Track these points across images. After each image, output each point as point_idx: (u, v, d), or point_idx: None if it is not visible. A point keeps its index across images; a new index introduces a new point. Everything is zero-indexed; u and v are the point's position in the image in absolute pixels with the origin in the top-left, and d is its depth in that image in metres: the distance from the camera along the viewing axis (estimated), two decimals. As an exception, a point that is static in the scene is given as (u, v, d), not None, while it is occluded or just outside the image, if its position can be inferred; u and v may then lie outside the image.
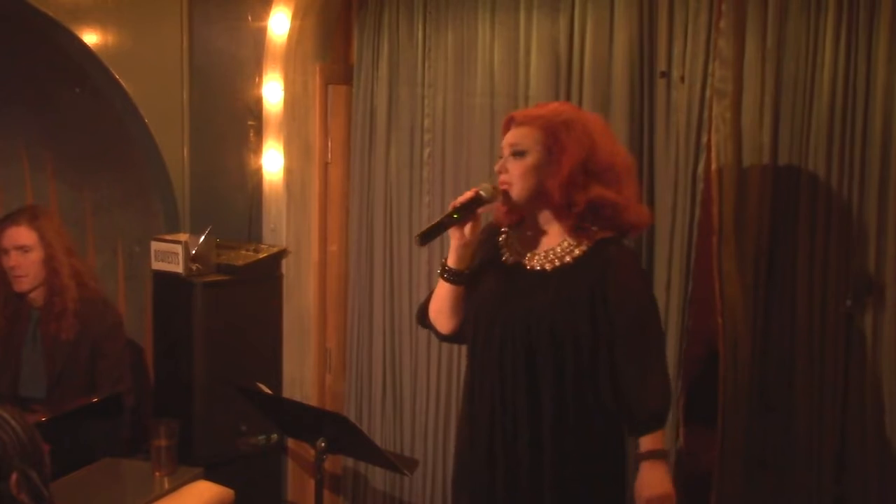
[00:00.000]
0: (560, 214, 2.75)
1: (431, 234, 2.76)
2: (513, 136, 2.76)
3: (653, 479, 2.67)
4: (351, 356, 4.28)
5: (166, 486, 3.34)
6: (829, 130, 3.15)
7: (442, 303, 2.90)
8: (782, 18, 3.20)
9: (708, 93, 3.29)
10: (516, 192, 2.74)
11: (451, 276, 2.84)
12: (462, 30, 3.84)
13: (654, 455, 2.68)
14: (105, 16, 3.94)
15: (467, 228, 2.76)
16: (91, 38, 3.90)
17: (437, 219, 2.82)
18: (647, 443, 2.69)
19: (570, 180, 2.68)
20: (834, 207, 3.16)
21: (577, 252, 2.74)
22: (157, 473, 3.38)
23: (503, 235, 2.89)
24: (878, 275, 3.11)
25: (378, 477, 4.20)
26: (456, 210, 2.75)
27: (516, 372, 2.74)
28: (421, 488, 4.06)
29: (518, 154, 2.73)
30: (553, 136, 2.70)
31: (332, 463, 4.25)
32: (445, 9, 3.87)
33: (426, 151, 3.97)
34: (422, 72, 3.96)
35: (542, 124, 2.72)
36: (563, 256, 2.75)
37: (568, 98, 3.57)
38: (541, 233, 2.81)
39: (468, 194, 2.77)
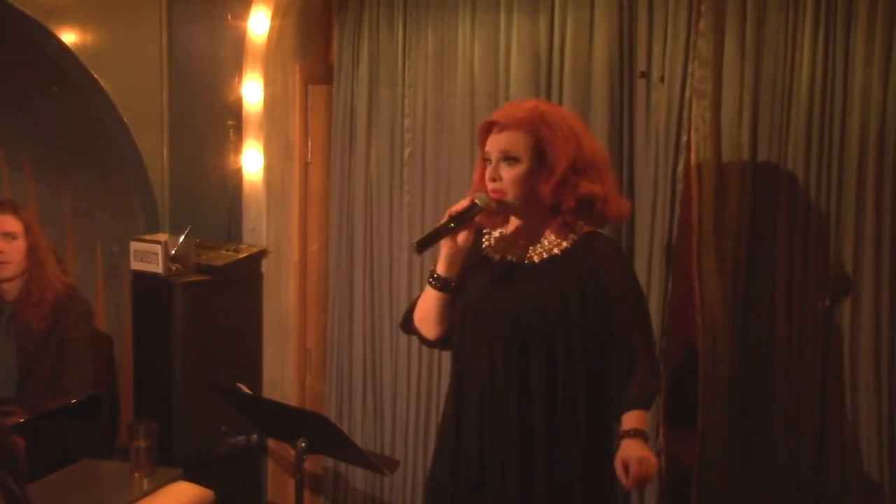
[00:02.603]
0: (548, 213, 2.78)
1: (428, 242, 2.77)
2: (503, 143, 2.74)
3: (632, 447, 2.66)
4: (331, 356, 4.28)
5: (145, 487, 3.34)
6: (807, 130, 3.17)
7: (428, 310, 2.92)
8: (761, 19, 3.21)
9: (687, 93, 3.31)
10: (511, 199, 2.76)
11: (441, 284, 2.86)
12: (442, 30, 3.84)
13: (636, 433, 2.68)
14: (84, 15, 3.92)
15: (461, 237, 2.78)
16: (70, 37, 3.88)
17: (433, 227, 2.81)
18: (629, 422, 2.70)
19: (562, 183, 2.72)
20: (812, 207, 3.18)
21: (564, 244, 2.78)
22: (137, 474, 3.38)
23: (486, 236, 2.91)
24: (855, 274, 3.13)
25: (358, 477, 4.20)
26: (452, 219, 2.76)
27: (507, 365, 2.76)
28: (401, 488, 4.05)
29: (510, 160, 2.73)
30: (542, 140, 2.71)
31: (312, 463, 4.24)
32: (426, 9, 3.87)
33: (406, 151, 3.97)
34: (402, 72, 3.96)
35: (529, 128, 2.72)
36: (551, 249, 2.79)
37: (548, 98, 3.57)
38: (527, 229, 2.84)
39: (464, 203, 2.78)
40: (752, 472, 3.32)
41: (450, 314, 2.89)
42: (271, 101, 4.15)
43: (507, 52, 3.68)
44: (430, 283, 2.88)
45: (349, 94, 4.10)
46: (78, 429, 3.66)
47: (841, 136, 3.13)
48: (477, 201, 2.76)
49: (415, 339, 3.90)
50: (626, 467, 2.64)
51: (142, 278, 4.00)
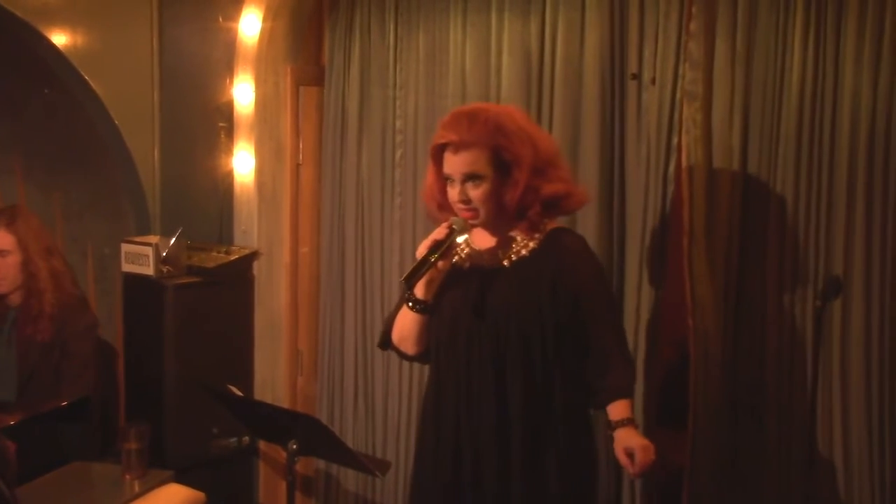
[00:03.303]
0: (514, 217, 2.79)
1: (416, 277, 2.76)
2: (463, 164, 2.72)
3: (631, 436, 2.73)
4: (323, 358, 4.27)
5: (137, 489, 3.32)
6: (797, 131, 3.18)
7: (408, 330, 2.92)
8: (752, 21, 3.22)
9: (678, 95, 3.31)
10: (482, 217, 2.77)
11: (420, 307, 2.86)
12: (434, 31, 3.84)
13: (627, 422, 2.75)
14: (74, 16, 3.91)
15: (441, 263, 2.77)
16: (60, 38, 3.87)
17: (417, 260, 2.78)
18: (617, 412, 2.77)
19: (526, 189, 2.72)
20: (803, 208, 3.19)
21: (531, 245, 2.81)
22: (128, 476, 3.36)
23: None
24: (846, 275, 3.13)
25: (350, 479, 4.19)
26: (433, 250, 2.74)
27: (484, 370, 2.78)
28: (393, 490, 4.05)
29: (474, 179, 2.73)
30: (500, 150, 2.70)
31: (303, 465, 4.24)
32: (417, 10, 3.87)
33: (398, 153, 3.97)
34: (393, 73, 3.96)
35: (485, 142, 2.70)
36: (520, 251, 2.81)
37: (539, 100, 3.58)
38: (494, 235, 2.86)
39: (442, 231, 2.76)
40: (742, 473, 3.33)
41: (428, 333, 2.90)
42: (263, 102, 4.14)
43: (499, 54, 3.68)
44: (409, 307, 2.87)
45: (340, 96, 4.10)
46: (69, 431, 3.65)
47: (831, 137, 3.14)
48: (455, 227, 2.77)
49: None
50: (629, 455, 2.68)
51: (133, 280, 3.99)
